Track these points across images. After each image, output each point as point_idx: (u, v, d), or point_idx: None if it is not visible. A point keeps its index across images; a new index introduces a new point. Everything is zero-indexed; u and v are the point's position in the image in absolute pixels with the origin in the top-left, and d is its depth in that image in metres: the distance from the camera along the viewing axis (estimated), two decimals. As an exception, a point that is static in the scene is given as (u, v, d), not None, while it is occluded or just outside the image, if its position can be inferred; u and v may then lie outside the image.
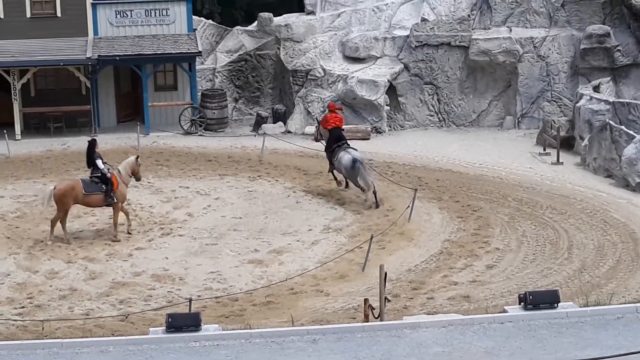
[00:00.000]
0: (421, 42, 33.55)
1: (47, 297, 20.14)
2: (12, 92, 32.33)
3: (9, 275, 21.27)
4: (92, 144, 23.91)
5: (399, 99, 33.67)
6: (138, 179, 24.36)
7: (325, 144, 26.88)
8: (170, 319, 16.35)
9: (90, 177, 23.49)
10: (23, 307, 19.69)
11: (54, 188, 23.09)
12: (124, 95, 34.95)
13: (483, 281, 20.66)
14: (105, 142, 31.55)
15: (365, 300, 17.21)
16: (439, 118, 33.89)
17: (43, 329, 18.17)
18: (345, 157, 25.61)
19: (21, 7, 33.14)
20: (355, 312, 18.64)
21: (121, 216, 23.56)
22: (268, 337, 16.10)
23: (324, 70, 33.81)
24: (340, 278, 20.99)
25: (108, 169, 23.53)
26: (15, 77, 32.29)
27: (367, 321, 16.90)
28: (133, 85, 35.05)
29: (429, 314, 18.05)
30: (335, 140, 26.42)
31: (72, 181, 23.68)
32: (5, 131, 31.01)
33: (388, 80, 33.11)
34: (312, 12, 35.07)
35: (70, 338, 16.96)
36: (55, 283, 20.88)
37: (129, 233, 23.61)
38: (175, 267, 21.75)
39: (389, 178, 27.47)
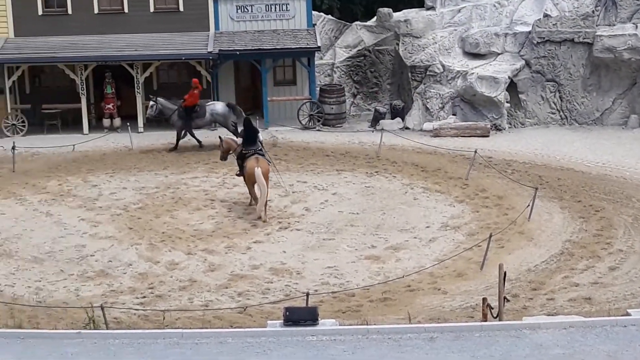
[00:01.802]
0: (543, 38, 32.97)
1: (168, 288, 20.47)
2: (135, 85, 32.97)
3: (131, 265, 21.70)
4: (250, 121, 25.48)
5: (520, 95, 33.16)
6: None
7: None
8: (287, 313, 16.43)
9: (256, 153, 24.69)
10: (144, 297, 20.06)
11: (259, 169, 23.97)
12: (244, 89, 35.31)
13: (605, 283, 20.18)
14: (216, 135, 31.93)
15: (484, 300, 16.99)
16: (560, 116, 33.28)
17: (164, 318, 18.49)
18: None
19: (145, 1, 33.75)
20: (473, 311, 18.43)
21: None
22: (385, 334, 16.04)
23: (443, 66, 33.54)
24: (458, 276, 20.78)
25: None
26: (138, 70, 32.93)
27: (486, 320, 16.70)
28: (252, 80, 35.39)
29: (549, 315, 17.72)
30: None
31: (261, 158, 24.73)
32: (128, 124, 31.69)
33: (509, 77, 32.65)
34: (432, 8, 34.82)
35: (190, 329, 17.22)
36: (175, 274, 21.22)
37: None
38: (292, 261, 21.86)
39: (508, 176, 27.09)
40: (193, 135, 30.78)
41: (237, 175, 25.47)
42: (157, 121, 33.45)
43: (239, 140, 25.72)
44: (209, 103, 31.26)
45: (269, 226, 23.99)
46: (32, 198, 26.26)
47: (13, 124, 32.74)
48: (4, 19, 33.55)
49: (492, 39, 33.69)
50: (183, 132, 30.80)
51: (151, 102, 30.70)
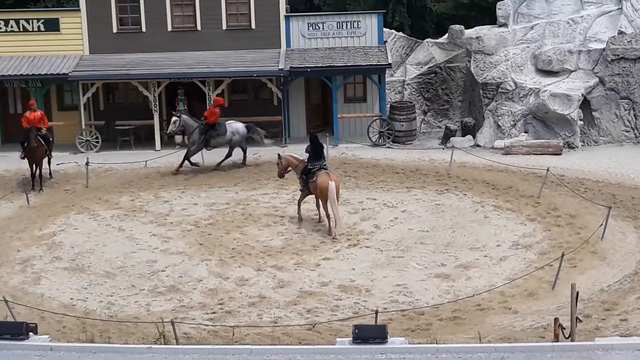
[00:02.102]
0: (618, 55, 32.54)
1: (237, 304, 20.54)
2: (207, 102, 33.26)
3: (201, 281, 21.82)
4: (317, 137, 25.59)
5: (593, 113, 32.76)
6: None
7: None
8: (357, 330, 16.38)
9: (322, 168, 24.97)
10: (214, 313, 20.16)
11: (333, 183, 24.22)
12: (314, 106, 35.43)
13: (681, 305, 19.77)
14: (295, 152, 32.03)
15: (556, 320, 16.76)
16: (635, 134, 32.79)
17: (233, 334, 18.55)
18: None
19: (217, 19, 34.09)
20: (545, 331, 18.16)
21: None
22: (455, 353, 15.90)
23: (515, 83, 33.29)
24: (529, 296, 20.52)
25: None
26: (210, 87, 33.23)
27: (557, 341, 16.46)
28: (323, 97, 35.50)
29: (622, 336, 17.40)
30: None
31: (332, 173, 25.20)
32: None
33: (582, 94, 32.27)
34: (504, 25, 34.61)
35: (260, 345, 17.25)
36: (245, 290, 21.29)
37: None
38: (361, 279, 21.80)
39: (581, 195, 26.73)
40: (196, 152, 30.78)
41: (301, 190, 25.51)
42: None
43: (299, 156, 25.81)
44: (228, 122, 31.15)
45: (339, 243, 23.98)
46: (104, 213, 26.61)
47: (87, 140, 33.25)
48: (79, 37, 34.16)
49: (565, 56, 33.35)
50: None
51: (174, 118, 30.58)
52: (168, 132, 31.33)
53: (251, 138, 31.25)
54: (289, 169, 26.22)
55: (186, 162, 30.30)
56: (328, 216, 24.69)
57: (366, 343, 16.19)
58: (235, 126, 31.01)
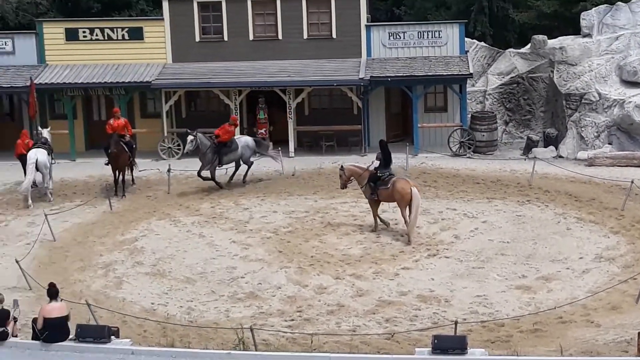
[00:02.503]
0: None
1: (316, 312, 20.53)
2: (288, 110, 33.41)
3: (280, 288, 21.88)
4: (386, 143, 25.61)
5: (679, 125, 32.15)
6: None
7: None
8: (436, 341, 16.24)
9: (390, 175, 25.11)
10: (292, 320, 20.18)
11: (415, 189, 24.47)
12: (394, 115, 35.36)
13: None
14: (373, 161, 32.00)
15: (639, 334, 16.45)
16: None
17: (312, 342, 18.53)
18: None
19: (298, 29, 34.25)
20: (628, 346, 17.79)
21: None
22: (536, 365, 15.69)
23: (599, 94, 32.81)
24: (612, 309, 20.15)
25: None
26: (290, 96, 33.38)
27: (642, 355, 16.15)
28: (403, 106, 35.40)
29: None
30: None
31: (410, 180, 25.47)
32: (279, 148, 32.08)
33: (668, 106, 31.72)
34: (588, 35, 34.17)
35: (338, 353, 17.20)
36: (323, 298, 21.28)
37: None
38: (441, 289, 21.64)
39: (666, 207, 26.24)
40: (214, 178, 29.73)
41: (372, 200, 25.37)
42: (308, 146, 33.81)
43: (362, 165, 25.78)
44: (238, 137, 30.70)
45: (418, 253, 23.85)
46: (185, 219, 26.86)
47: (169, 147, 33.62)
48: (162, 46, 34.60)
49: (651, 66, 32.80)
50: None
51: (191, 137, 29.39)
52: (185, 151, 30.46)
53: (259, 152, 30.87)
54: (352, 179, 26.02)
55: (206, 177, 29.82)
56: (407, 222, 24.63)
57: (445, 354, 16.04)
58: (245, 140, 30.59)
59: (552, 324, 19.49)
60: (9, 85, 33.46)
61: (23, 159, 29.79)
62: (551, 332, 19.14)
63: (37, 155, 28.84)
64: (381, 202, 25.33)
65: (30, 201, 28.41)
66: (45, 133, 30.54)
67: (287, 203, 28.09)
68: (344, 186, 26.30)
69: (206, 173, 29.53)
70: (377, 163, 25.58)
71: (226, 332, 19.12)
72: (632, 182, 27.08)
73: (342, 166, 26.40)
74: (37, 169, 28.75)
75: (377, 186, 25.04)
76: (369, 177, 25.37)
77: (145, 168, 31.80)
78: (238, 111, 33.53)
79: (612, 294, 20.73)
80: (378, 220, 25.43)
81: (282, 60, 34.09)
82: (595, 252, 23.49)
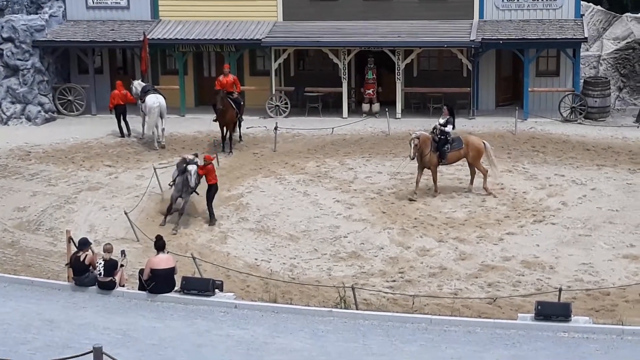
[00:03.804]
0: None
1: (418, 273, 20.51)
2: (396, 71, 33.19)
3: (382, 249, 21.90)
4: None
5: None
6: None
7: None
8: (539, 307, 16.09)
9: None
10: (394, 281, 20.21)
11: (487, 142, 25.32)
12: (504, 79, 34.81)
13: None
14: (483, 124, 31.71)
15: None
16: None
17: (413, 303, 18.55)
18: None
19: (413, -12, 33.90)
20: None
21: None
22: (641, 336, 15.42)
23: None
24: None
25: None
26: (400, 57, 33.13)
27: None
28: (513, 70, 34.83)
29: None
30: None
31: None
32: (387, 109, 31.94)
33: None
34: None
35: (439, 315, 17.18)
36: (426, 260, 21.23)
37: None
38: (545, 255, 21.37)
39: None
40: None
41: (438, 164, 25.29)
42: (416, 108, 33.63)
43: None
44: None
45: (523, 218, 23.58)
46: (290, 177, 27.03)
47: (276, 105, 33.78)
48: (273, 4, 34.64)
49: None
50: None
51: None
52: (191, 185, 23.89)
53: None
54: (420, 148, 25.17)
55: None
56: (484, 172, 25.09)
57: (549, 320, 15.89)
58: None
59: (659, 294, 19.11)
60: (122, 40, 33.97)
61: (120, 110, 30.82)
62: (658, 303, 18.77)
63: (159, 100, 29.80)
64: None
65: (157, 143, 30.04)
66: (137, 84, 31.41)
67: (392, 164, 27.99)
68: (415, 156, 25.03)
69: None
70: (449, 128, 25.30)
71: (328, 290, 19.27)
72: None
73: (418, 135, 25.14)
74: (161, 114, 29.95)
75: (447, 150, 25.08)
76: (439, 143, 25.06)
77: (252, 125, 32.04)
78: (346, 71, 33.43)
79: None
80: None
81: (393, 21, 33.78)
82: None
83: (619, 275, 20.24)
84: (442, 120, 25.47)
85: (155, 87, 31.93)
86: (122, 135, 31.29)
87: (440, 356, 14.94)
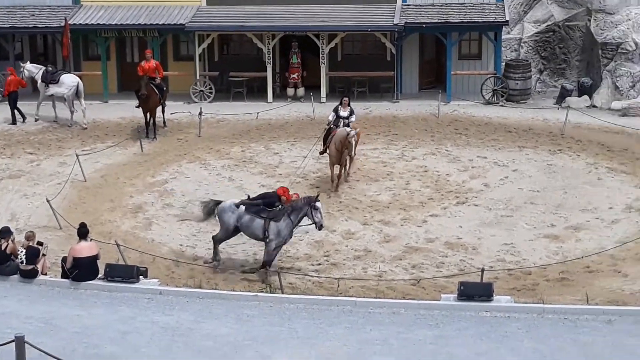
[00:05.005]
0: None
1: (343, 256, 20.63)
2: (320, 55, 33.24)
3: (307, 232, 21.91)
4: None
5: None
6: (349, 155, 24.48)
7: None
8: (462, 287, 16.30)
9: None
10: (319, 264, 20.29)
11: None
12: (427, 62, 35.09)
13: None
14: (407, 108, 31.95)
15: (667, 285, 16.40)
16: None
17: (338, 286, 18.67)
18: None
19: (334, -28, 33.92)
20: (655, 297, 17.80)
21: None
22: (561, 314, 15.71)
23: (636, 43, 32.35)
24: (641, 260, 20.12)
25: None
26: (324, 41, 33.17)
27: (668, 306, 16.11)
28: (436, 53, 35.11)
29: None
30: None
31: None
32: (311, 93, 32.00)
33: None
34: (626, -17, 33.61)
35: (364, 297, 17.31)
36: (351, 243, 21.36)
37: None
38: (468, 236, 21.65)
39: (700, 160, 25.99)
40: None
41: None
42: (340, 92, 33.73)
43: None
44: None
45: (446, 200, 23.84)
46: (215, 163, 26.95)
47: (201, 90, 33.62)
48: (195, -12, 34.43)
49: (689, 16, 32.28)
50: None
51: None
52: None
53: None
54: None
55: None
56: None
57: (471, 300, 16.11)
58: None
59: (579, 273, 19.50)
60: (43, 26, 33.47)
61: (14, 96, 30.51)
62: (578, 281, 19.14)
63: (76, 79, 29.65)
64: None
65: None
66: (30, 67, 31.33)
67: (317, 148, 28.01)
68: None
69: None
70: (353, 118, 25.34)
71: (253, 275, 19.28)
72: (666, 133, 26.86)
73: (356, 132, 24.77)
74: (80, 94, 30.09)
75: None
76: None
77: (177, 111, 31.85)
78: (271, 55, 33.39)
79: (641, 244, 20.66)
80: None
81: (317, 5, 33.79)
82: (625, 202, 23.37)
83: (539, 254, 20.59)
84: (345, 113, 25.13)
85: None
86: (15, 122, 30.79)
87: (365, 338, 15.06)
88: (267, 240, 19.45)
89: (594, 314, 15.67)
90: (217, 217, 20.10)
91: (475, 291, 16.28)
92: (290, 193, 20.41)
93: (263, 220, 19.52)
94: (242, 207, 19.77)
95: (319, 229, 19.82)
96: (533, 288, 18.76)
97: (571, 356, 14.26)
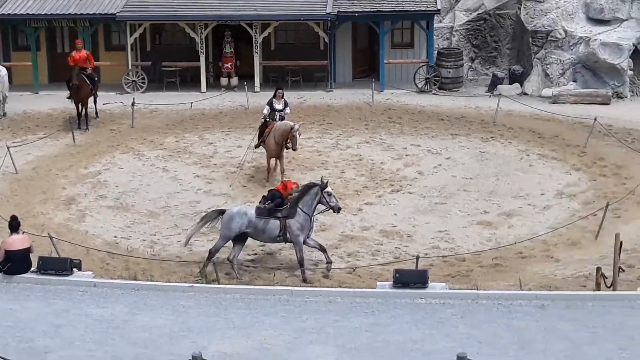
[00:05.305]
0: (671, 3, 31.94)
1: (279, 246, 20.61)
2: (254, 45, 33.15)
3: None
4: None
5: (644, 63, 32.25)
6: (292, 148, 24.19)
7: None
8: (397, 275, 16.41)
9: None
10: (256, 254, 20.28)
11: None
12: (360, 51, 35.19)
13: None
14: (340, 97, 32.03)
15: (598, 269, 16.67)
16: (686, 84, 32.27)
17: (274, 276, 18.68)
18: None
19: (266, -39, 33.82)
20: (586, 281, 18.07)
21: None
22: (495, 299, 15.89)
23: (565, 31, 32.79)
24: (572, 245, 20.42)
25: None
26: (257, 30, 33.09)
27: (599, 290, 16.38)
28: (369, 42, 35.23)
29: (665, 287, 17.28)
30: None
31: None
32: (245, 83, 31.92)
33: (633, 44, 31.73)
34: (555, -28, 33.99)
35: (300, 287, 17.34)
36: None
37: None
38: (403, 224, 21.79)
39: (628, 145, 26.42)
40: None
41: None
42: (274, 81, 33.66)
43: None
44: None
45: (381, 188, 23.96)
46: (149, 153, 26.77)
47: (133, 81, 33.33)
48: (127, -23, 34.06)
49: (617, 4, 32.73)
50: None
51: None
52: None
53: None
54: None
55: None
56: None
57: (406, 287, 16.23)
58: None
59: (512, 259, 19.74)
60: (-30, 16, 32.97)
61: None
62: (511, 266, 19.38)
63: (4, 69, 29.34)
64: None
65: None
66: None
67: (252, 138, 27.97)
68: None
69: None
70: (288, 110, 25.18)
71: (189, 265, 19.22)
72: (595, 119, 27.25)
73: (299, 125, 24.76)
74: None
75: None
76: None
77: (109, 101, 31.55)
78: (204, 45, 33.22)
79: (572, 230, 20.99)
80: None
81: (249, -6, 33.72)
82: (557, 188, 23.71)
83: (473, 241, 20.81)
84: (279, 106, 24.90)
85: None
86: None
87: (301, 327, 15.10)
88: (294, 237, 19.11)
89: (527, 299, 15.88)
90: (220, 225, 19.46)
91: (411, 278, 16.41)
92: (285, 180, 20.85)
93: (278, 220, 19.21)
94: (252, 212, 19.32)
95: (338, 212, 19.58)
96: (467, 274, 18.96)
97: (505, 341, 14.45)
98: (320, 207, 19.41)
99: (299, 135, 24.34)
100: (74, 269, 17.23)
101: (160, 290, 16.72)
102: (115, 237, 21.26)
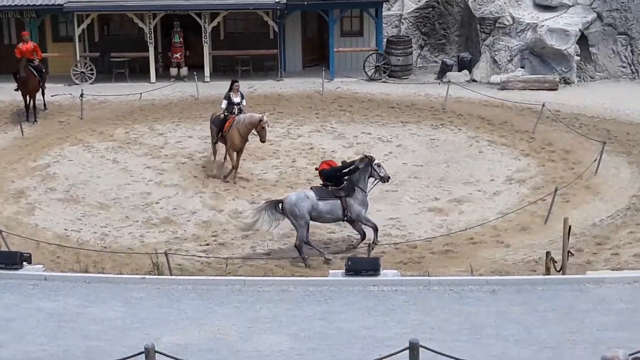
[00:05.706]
0: (616, -10, 32.30)
1: (231, 236, 20.63)
2: (203, 35, 33.02)
3: (195, 213, 21.89)
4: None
5: (590, 49, 32.57)
6: (261, 140, 24.06)
7: None
8: (349, 263, 16.48)
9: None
10: (208, 245, 20.27)
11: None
12: (310, 40, 35.19)
13: (672, 239, 19.86)
14: (291, 86, 32.02)
15: (547, 253, 16.87)
16: (632, 70, 32.63)
17: (226, 266, 18.68)
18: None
19: (213, -50, 33.65)
20: (536, 265, 18.29)
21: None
22: (447, 285, 16.01)
23: (512, 18, 33.03)
24: (522, 230, 20.64)
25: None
26: (206, 20, 32.95)
27: (549, 274, 16.58)
28: (319, 31, 35.24)
29: (613, 270, 17.53)
30: None
31: None
32: (195, 73, 31.79)
33: (580, 30, 32.07)
34: (502, -41, 34.20)
35: (253, 276, 17.36)
36: (239, 223, 21.34)
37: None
38: (355, 212, 21.84)
39: (576, 130, 26.73)
40: None
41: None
42: (224, 70, 33.56)
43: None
44: None
45: (333, 177, 23.96)
46: (99, 145, 26.58)
47: (82, 72, 33.06)
48: (74, -33, 33.74)
49: (563, -10, 33.07)
50: None
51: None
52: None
53: None
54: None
55: None
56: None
57: (359, 275, 16.29)
58: None
59: (463, 245, 19.92)
60: None
61: None
62: (462, 252, 19.56)
63: None
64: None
65: None
66: None
67: (203, 128, 27.84)
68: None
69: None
70: (244, 103, 24.88)
71: (141, 257, 19.14)
72: (544, 105, 27.52)
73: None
74: None
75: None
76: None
77: (57, 93, 31.27)
78: (153, 35, 33.03)
79: (522, 215, 21.21)
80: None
81: (197, -17, 33.54)
82: (506, 174, 23.93)
83: (425, 228, 20.96)
84: (237, 99, 24.61)
85: None
86: None
87: (254, 316, 15.11)
88: (357, 214, 19.63)
89: (478, 285, 16.02)
90: (290, 215, 19.39)
91: (363, 266, 16.48)
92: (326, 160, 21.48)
93: (339, 199, 19.61)
94: (313, 195, 19.57)
95: (387, 181, 20.36)
96: (419, 261, 19.09)
97: (457, 326, 14.57)
98: (371, 181, 20.02)
99: (268, 126, 24.22)
100: (24, 263, 17.08)
101: (112, 282, 16.65)
102: (66, 229, 21.12)
